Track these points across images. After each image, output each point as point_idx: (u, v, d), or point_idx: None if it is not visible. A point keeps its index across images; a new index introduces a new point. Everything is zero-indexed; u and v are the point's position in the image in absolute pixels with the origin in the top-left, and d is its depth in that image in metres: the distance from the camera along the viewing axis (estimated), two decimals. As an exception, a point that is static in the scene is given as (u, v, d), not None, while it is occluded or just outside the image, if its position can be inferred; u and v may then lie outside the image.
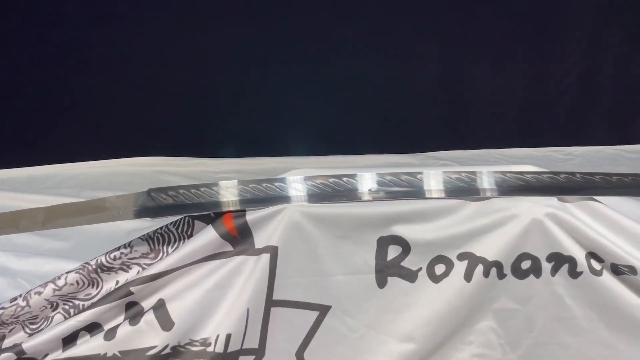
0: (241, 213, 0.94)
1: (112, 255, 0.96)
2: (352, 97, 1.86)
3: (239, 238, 0.94)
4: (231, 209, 0.93)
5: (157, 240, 0.98)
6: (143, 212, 0.92)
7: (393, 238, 0.94)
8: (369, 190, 0.94)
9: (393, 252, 0.94)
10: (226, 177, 1.79)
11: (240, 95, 1.83)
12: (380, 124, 1.89)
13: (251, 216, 0.92)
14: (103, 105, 1.78)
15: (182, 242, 0.98)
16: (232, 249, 0.94)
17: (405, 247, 0.94)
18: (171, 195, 0.92)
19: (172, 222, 0.99)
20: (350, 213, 0.93)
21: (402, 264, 0.94)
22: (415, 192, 0.93)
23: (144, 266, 0.97)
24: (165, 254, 0.98)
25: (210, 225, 0.94)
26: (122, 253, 0.97)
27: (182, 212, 0.94)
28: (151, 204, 0.93)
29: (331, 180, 0.94)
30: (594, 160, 1.90)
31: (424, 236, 0.93)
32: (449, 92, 1.89)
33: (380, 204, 0.94)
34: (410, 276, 0.94)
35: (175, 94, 1.80)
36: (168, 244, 0.98)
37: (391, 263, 0.94)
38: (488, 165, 1.05)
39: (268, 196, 0.93)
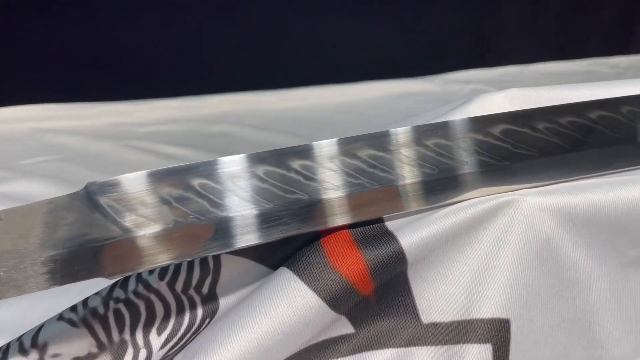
0: (377, 229, 0.33)
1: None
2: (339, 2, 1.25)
3: (374, 301, 0.34)
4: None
5: (116, 320, 0.35)
6: (71, 268, 0.28)
7: None
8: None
9: None
10: (159, 131, 1.12)
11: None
12: (383, 37, 1.31)
13: (413, 235, 0.32)
14: None
15: (191, 317, 0.36)
16: (353, 330, 0.34)
17: None
18: (170, 197, 0.29)
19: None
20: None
21: None
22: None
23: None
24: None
25: (285, 270, 0.33)
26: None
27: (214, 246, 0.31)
28: (106, 234, 0.29)
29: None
30: (649, 72, 1.51)
31: None
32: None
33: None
34: None
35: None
36: (147, 328, 0.36)
37: None
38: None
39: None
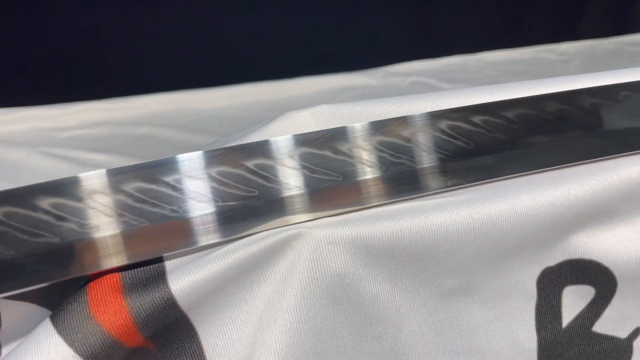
0: (153, 270, 0.30)
1: None
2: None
3: (155, 349, 0.30)
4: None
5: None
6: None
7: (572, 266, 0.36)
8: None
9: (574, 302, 0.37)
10: (80, 136, 1.07)
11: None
12: (319, 29, 1.27)
13: (186, 278, 0.28)
14: None
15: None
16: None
17: (603, 284, 0.36)
18: None
19: None
20: (476, 217, 0.32)
21: (596, 328, 0.37)
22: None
23: None
24: None
25: (47, 322, 0.29)
26: None
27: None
28: None
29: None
30: (596, 58, 1.48)
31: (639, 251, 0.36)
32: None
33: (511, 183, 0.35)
34: (619, 354, 0.38)
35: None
36: None
37: (572, 330, 0.37)
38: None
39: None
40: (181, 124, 1.10)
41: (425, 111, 0.34)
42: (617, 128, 0.36)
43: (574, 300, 0.37)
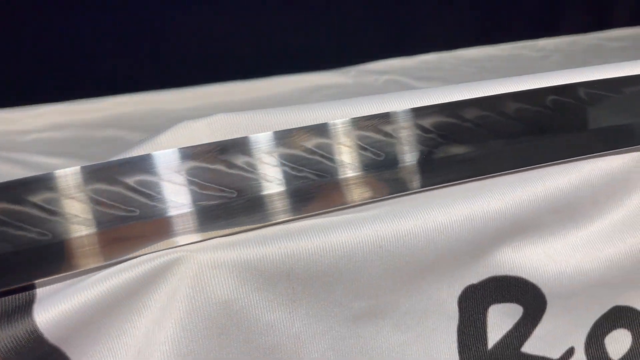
0: (23, 299, 0.27)
1: None
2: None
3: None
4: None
5: None
6: None
7: (497, 283, 0.34)
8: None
9: (501, 321, 0.34)
10: (40, 140, 1.04)
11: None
12: (291, 27, 1.24)
13: (53, 309, 0.26)
14: None
15: None
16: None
17: (531, 302, 0.34)
18: None
19: None
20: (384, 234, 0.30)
21: (525, 348, 0.35)
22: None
23: None
24: None
25: None
26: None
27: None
28: None
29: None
30: (575, 54, 1.46)
31: (569, 266, 0.34)
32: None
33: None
34: (548, 375, 0.35)
35: None
36: None
37: (499, 351, 0.34)
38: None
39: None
40: (148, 125, 1.07)
41: (336, 119, 0.32)
42: (543, 136, 0.34)
43: (500, 320, 0.35)
